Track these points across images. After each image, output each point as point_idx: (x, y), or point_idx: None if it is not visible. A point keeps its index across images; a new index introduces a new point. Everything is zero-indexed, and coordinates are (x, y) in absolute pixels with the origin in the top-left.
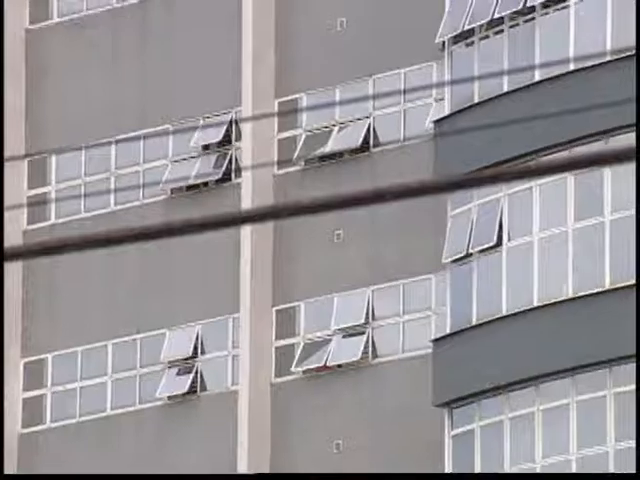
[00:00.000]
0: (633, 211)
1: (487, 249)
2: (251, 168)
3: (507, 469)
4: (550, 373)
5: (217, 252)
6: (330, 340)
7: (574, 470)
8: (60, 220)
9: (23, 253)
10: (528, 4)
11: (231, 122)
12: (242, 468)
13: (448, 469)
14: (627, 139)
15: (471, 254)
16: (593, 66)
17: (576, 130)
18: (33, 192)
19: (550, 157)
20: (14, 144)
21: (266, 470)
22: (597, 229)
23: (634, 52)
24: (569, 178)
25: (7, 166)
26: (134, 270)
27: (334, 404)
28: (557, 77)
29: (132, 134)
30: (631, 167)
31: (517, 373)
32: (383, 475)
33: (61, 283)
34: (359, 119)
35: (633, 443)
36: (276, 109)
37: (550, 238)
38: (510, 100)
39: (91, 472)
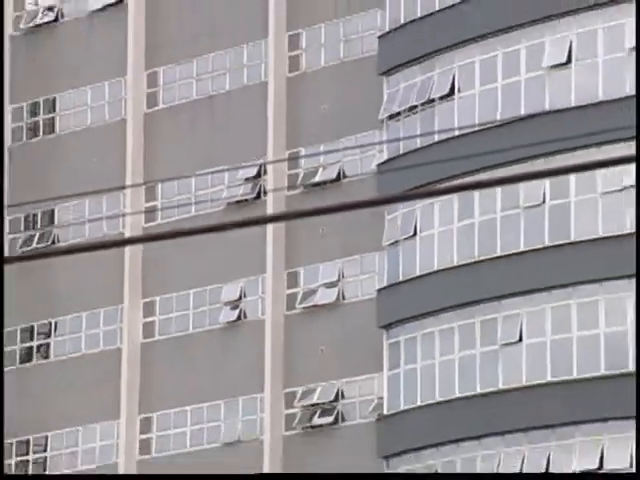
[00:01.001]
0: None
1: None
2: (272, 191)
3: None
4: None
5: None
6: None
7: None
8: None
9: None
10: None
11: (261, 165)
12: None
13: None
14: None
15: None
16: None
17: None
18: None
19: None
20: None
21: None
22: None
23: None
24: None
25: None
26: None
27: None
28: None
29: (206, 170)
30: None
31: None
32: (384, 475)
33: None
34: (333, 163)
35: None
36: (286, 156)
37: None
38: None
39: None
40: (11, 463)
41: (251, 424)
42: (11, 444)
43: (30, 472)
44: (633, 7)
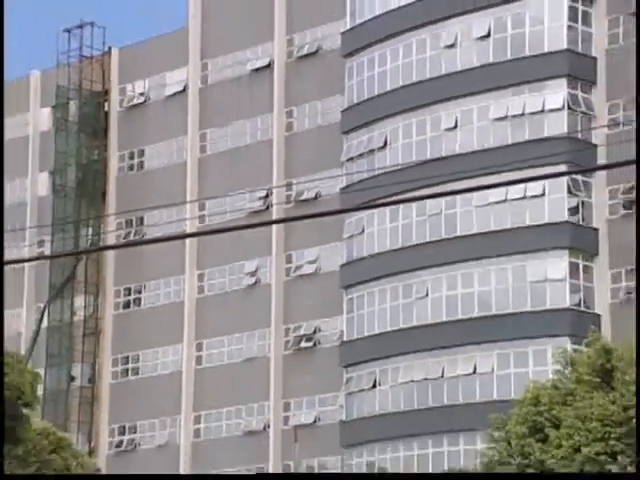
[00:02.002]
0: None
1: None
2: (276, 205)
3: None
4: None
5: None
6: None
7: None
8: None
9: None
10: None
11: (268, 189)
12: None
13: None
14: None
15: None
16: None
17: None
18: None
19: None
20: None
21: None
22: None
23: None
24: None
25: None
26: None
27: None
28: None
29: (236, 192)
30: None
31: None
32: (391, 475)
33: None
34: (313, 188)
35: None
36: (284, 184)
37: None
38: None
39: None
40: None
41: (263, 347)
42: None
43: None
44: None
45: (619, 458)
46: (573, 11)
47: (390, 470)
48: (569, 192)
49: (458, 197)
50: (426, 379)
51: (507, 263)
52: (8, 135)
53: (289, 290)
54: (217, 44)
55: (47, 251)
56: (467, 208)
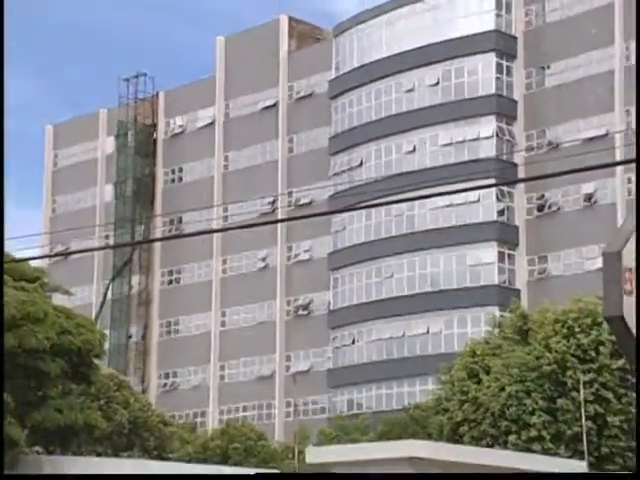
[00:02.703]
0: None
1: None
2: (280, 208)
3: None
4: None
5: None
6: None
7: None
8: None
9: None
10: None
11: (275, 196)
12: None
13: None
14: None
15: None
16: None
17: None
18: None
19: None
20: None
21: None
22: None
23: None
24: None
25: None
26: None
27: None
28: None
29: (253, 198)
30: None
31: None
32: (393, 475)
33: None
34: (307, 195)
35: None
36: (286, 192)
37: None
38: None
39: None
40: None
41: (270, 314)
42: None
43: None
44: None
45: (532, 394)
46: (499, 66)
47: (364, 404)
48: (497, 199)
49: (416, 202)
50: (391, 337)
51: (452, 252)
52: (83, 157)
53: (290, 272)
54: (236, 89)
55: (111, 242)
56: (422, 210)
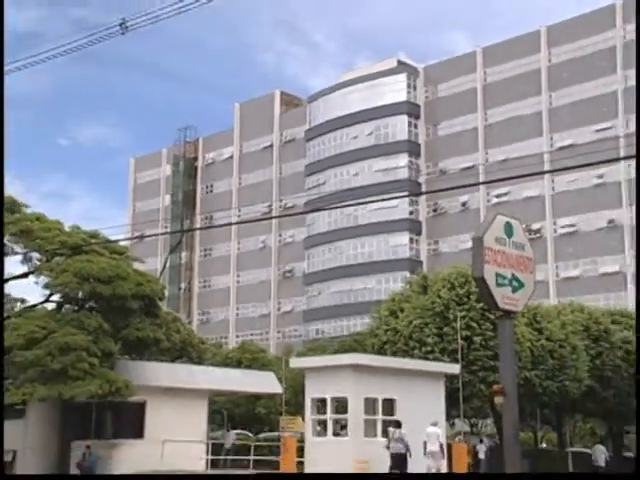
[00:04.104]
0: None
1: None
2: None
3: None
4: None
5: None
6: None
7: None
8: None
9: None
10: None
11: (270, 202)
12: None
13: None
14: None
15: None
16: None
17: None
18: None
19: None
20: None
21: None
22: None
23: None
24: None
25: None
26: None
27: None
28: None
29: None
30: None
31: None
32: (385, 475)
33: None
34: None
35: None
36: (279, 199)
37: None
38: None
39: None
40: None
41: (268, 275)
42: None
43: None
44: None
45: (428, 325)
46: (410, 123)
47: (326, 332)
48: (409, 205)
49: (360, 206)
50: (342, 291)
51: (381, 237)
52: (152, 177)
53: (280, 250)
54: (246, 135)
55: (168, 230)
56: (364, 211)
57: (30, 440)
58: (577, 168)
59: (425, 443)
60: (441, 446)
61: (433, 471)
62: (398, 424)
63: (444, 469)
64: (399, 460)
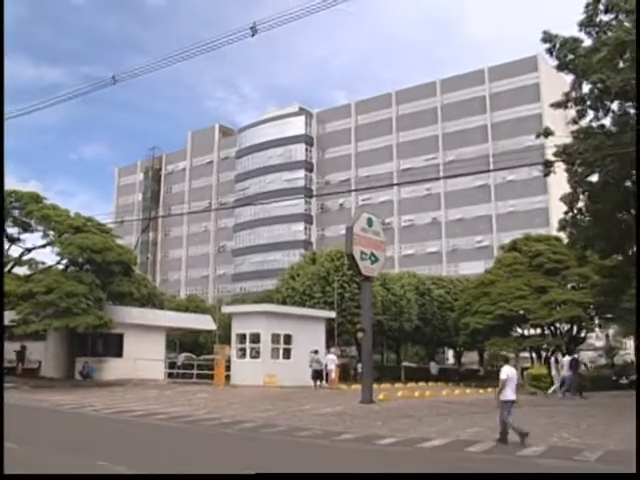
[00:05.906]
0: None
1: None
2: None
3: None
4: None
5: None
6: None
7: None
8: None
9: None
10: None
11: (209, 202)
12: None
13: None
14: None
15: None
16: None
17: None
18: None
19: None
20: None
21: None
22: None
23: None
24: None
25: None
26: None
27: None
28: None
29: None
30: None
31: None
32: (384, 475)
33: None
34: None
35: None
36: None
37: None
38: None
39: None
40: None
41: (208, 250)
42: None
43: None
44: None
45: (315, 286)
46: (307, 148)
47: (247, 290)
48: (304, 204)
49: (272, 205)
50: (258, 261)
51: (285, 225)
52: (130, 181)
53: (217, 233)
54: (194, 153)
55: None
56: (274, 207)
57: (49, 355)
58: (413, 183)
59: (318, 362)
60: (336, 366)
61: (334, 376)
62: (316, 351)
63: (336, 377)
64: (316, 373)
